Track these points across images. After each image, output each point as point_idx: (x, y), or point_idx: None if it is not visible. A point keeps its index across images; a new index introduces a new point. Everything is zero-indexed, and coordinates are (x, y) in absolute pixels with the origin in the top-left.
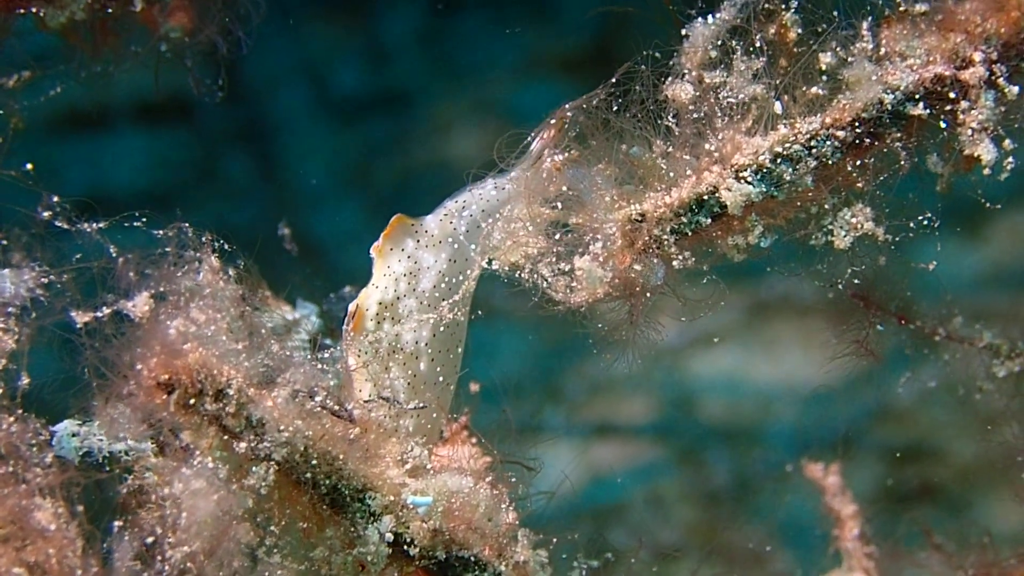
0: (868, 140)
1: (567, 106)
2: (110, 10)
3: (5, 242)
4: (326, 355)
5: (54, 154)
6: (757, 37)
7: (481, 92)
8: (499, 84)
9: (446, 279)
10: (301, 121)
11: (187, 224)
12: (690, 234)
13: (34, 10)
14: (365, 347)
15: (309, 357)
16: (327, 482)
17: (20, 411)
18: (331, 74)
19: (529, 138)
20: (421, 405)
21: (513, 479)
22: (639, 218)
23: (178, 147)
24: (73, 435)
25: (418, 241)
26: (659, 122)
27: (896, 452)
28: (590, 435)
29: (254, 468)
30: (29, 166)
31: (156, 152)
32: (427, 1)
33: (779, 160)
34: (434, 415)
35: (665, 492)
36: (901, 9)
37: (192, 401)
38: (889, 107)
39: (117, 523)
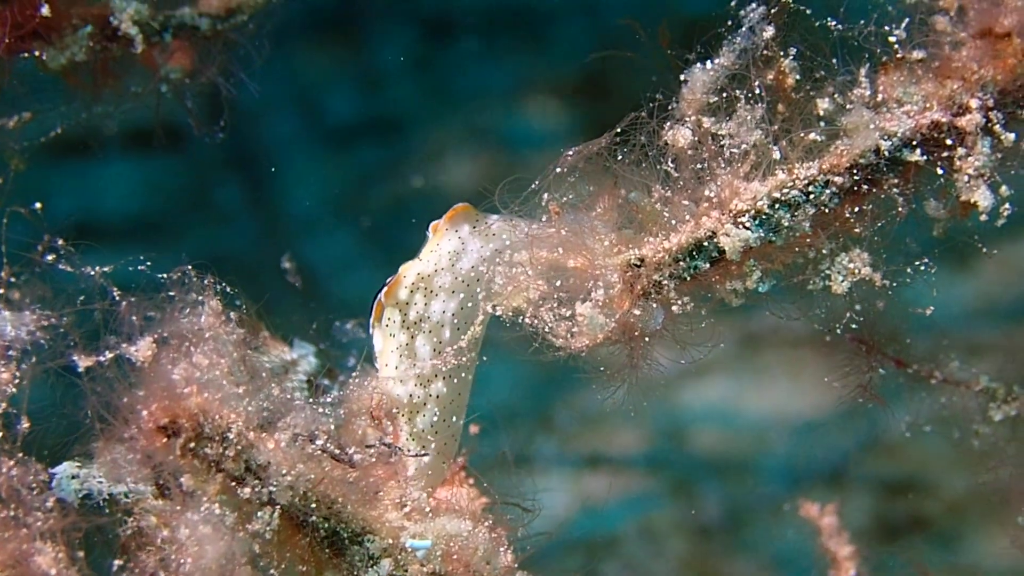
0: (866, 186)
1: (569, 153)
2: (110, 52)
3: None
4: (328, 398)
5: (44, 180)
6: (756, 83)
7: (474, 119)
8: (492, 111)
9: (485, 264)
10: (293, 148)
11: (190, 267)
12: (689, 279)
13: (36, 52)
14: (395, 317)
15: (308, 399)
16: (326, 525)
17: (21, 455)
18: (323, 101)
19: (535, 185)
20: (424, 453)
21: (510, 519)
22: (638, 263)
23: (169, 174)
24: (72, 477)
25: (474, 227)
26: (658, 167)
27: (888, 485)
28: (582, 466)
29: (259, 513)
30: (38, 205)
31: (147, 179)
32: (419, 28)
33: (777, 206)
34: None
35: (657, 524)
36: (898, 56)
37: (192, 445)
38: (886, 153)
39: (117, 562)
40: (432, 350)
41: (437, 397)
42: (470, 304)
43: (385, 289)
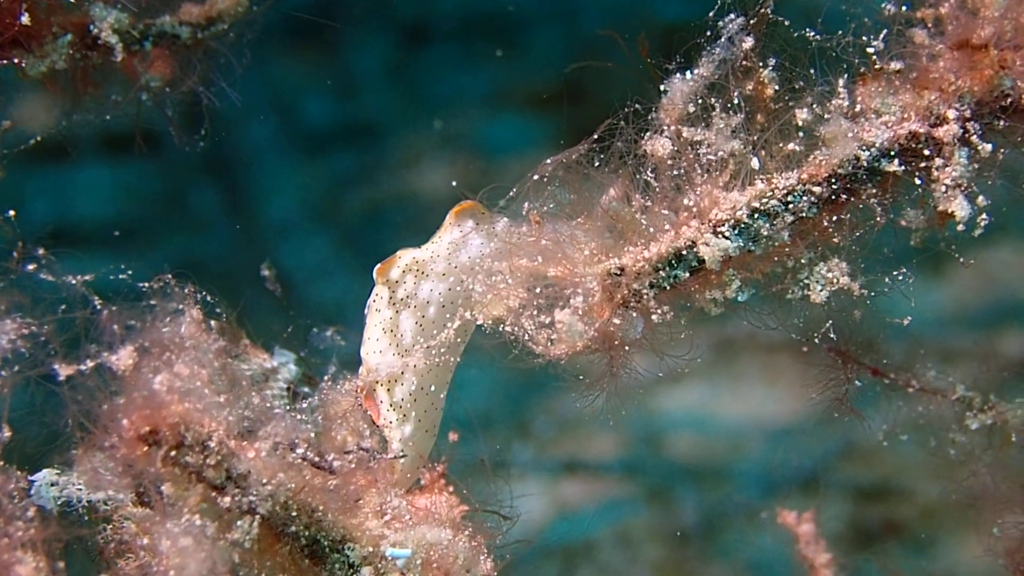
0: (844, 196)
1: (548, 161)
2: (90, 60)
3: None
4: (304, 405)
5: (19, 184)
6: (735, 93)
7: (450, 125)
8: (468, 117)
9: (481, 260)
10: (269, 154)
11: (170, 276)
12: (668, 288)
13: (15, 60)
14: (383, 294)
15: (288, 408)
16: (307, 534)
17: (1, 463)
18: (299, 107)
19: (513, 192)
20: (402, 455)
21: (490, 526)
22: (618, 272)
23: (145, 178)
24: (52, 484)
25: (478, 224)
26: (638, 176)
27: (863, 491)
28: (559, 472)
29: (238, 522)
30: (12, 213)
31: (122, 183)
32: (395, 34)
33: (756, 215)
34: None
35: (633, 530)
36: (876, 67)
37: (173, 453)
38: (865, 163)
39: None
40: (416, 324)
41: (414, 367)
42: (459, 289)
43: (379, 267)
